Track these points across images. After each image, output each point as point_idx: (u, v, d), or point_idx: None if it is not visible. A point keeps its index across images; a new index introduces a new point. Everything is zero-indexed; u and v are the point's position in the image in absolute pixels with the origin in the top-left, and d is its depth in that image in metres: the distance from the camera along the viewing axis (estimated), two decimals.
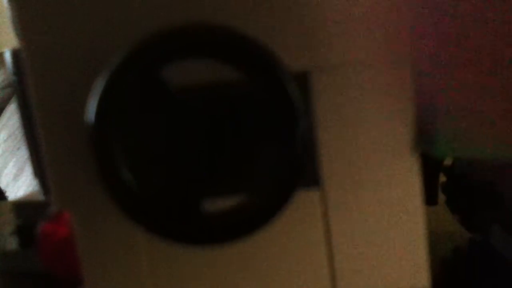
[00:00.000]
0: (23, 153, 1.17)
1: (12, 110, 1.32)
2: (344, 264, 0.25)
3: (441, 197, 0.38)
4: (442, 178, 0.38)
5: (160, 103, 0.20)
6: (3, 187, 1.10)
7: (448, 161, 0.38)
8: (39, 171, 0.28)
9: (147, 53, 0.19)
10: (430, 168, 0.33)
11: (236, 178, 0.22)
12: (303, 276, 0.24)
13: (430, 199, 0.34)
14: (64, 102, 0.23)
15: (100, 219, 0.23)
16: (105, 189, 0.21)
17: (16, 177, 1.16)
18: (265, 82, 0.19)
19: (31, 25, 0.24)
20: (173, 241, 0.21)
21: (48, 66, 0.24)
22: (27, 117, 0.26)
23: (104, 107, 0.19)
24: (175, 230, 0.21)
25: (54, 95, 0.24)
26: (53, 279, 0.25)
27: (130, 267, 0.24)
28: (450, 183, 0.37)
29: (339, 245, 0.25)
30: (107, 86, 0.19)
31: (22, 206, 0.30)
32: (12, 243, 0.32)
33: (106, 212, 0.23)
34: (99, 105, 0.20)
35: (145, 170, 0.21)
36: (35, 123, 0.25)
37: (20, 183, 1.10)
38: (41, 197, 0.29)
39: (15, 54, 0.26)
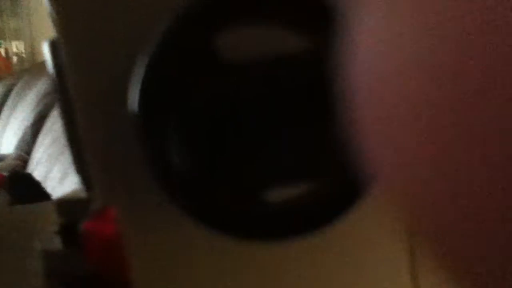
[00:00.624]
0: (67, 158, 1.19)
1: (55, 116, 1.35)
2: (426, 260, 0.22)
3: None
4: None
5: (215, 76, 0.18)
6: (49, 191, 1.12)
7: None
8: (81, 167, 0.27)
9: (197, 17, 0.16)
10: None
11: (306, 163, 0.19)
12: (381, 273, 0.22)
13: None
14: (105, 91, 0.22)
15: (150, 214, 0.22)
16: (157, 182, 0.19)
17: (61, 181, 1.18)
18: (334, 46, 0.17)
19: (69, 13, 0.23)
20: (235, 236, 0.19)
21: (86, 54, 0.23)
22: (67, 110, 0.25)
23: (150, 89, 0.18)
24: (237, 223, 0.19)
25: (94, 85, 0.22)
26: (99, 280, 0.24)
27: (186, 265, 0.22)
28: None
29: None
30: (151, 63, 0.18)
31: (65, 204, 0.29)
32: (56, 243, 0.31)
33: (157, 207, 0.21)
34: (143, 88, 0.18)
35: (200, 156, 0.19)
36: (76, 116, 0.24)
37: (66, 187, 1.12)
38: (84, 194, 0.27)
39: (53, 44, 0.25)
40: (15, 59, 2.34)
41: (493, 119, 0.09)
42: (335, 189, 0.19)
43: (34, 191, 1.04)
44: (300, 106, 0.18)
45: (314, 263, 0.22)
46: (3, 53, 2.30)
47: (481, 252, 0.11)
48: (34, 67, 1.73)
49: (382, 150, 0.12)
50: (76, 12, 0.23)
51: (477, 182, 0.10)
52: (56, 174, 1.22)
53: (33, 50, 2.28)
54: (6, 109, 1.58)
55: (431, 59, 0.10)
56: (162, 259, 0.23)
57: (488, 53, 0.09)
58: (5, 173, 1.14)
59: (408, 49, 0.10)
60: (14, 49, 2.35)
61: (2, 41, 2.32)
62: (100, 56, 0.23)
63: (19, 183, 1.03)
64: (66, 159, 1.16)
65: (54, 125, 1.32)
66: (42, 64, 1.63)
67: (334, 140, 0.19)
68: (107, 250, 0.21)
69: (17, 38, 2.33)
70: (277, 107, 0.18)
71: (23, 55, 2.31)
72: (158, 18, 0.22)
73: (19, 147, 1.40)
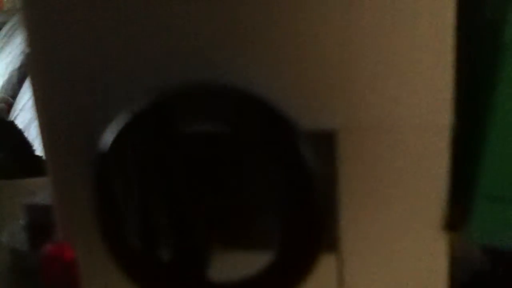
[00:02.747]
0: None
1: None
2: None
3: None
4: None
5: (173, 153, 0.19)
6: (32, 139, 1.11)
7: None
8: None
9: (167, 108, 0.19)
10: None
11: (251, 236, 0.20)
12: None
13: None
14: (69, 123, 0.22)
15: (101, 259, 0.22)
16: (109, 251, 0.20)
17: None
18: (274, 142, 0.18)
19: (39, 30, 0.22)
20: None
21: (53, 74, 0.23)
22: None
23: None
24: None
25: (60, 111, 0.22)
26: None
27: None
28: None
29: None
30: (123, 131, 0.19)
31: (33, 208, 0.30)
32: (22, 242, 0.32)
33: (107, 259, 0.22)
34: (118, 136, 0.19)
35: (152, 232, 0.20)
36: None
37: None
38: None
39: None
40: None
41: None
42: (286, 260, 0.20)
43: (16, 139, 1.03)
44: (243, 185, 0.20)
45: None
46: None
47: None
48: None
49: None
50: (46, 28, 0.23)
51: None
52: None
53: None
54: None
55: None
56: None
57: None
58: None
59: None
60: None
61: None
62: (67, 78, 0.23)
63: (1, 130, 1.03)
64: None
65: None
66: None
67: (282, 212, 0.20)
68: (65, 275, 0.22)
69: None
70: (222, 184, 0.20)
71: None
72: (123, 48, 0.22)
73: (4, 89, 1.38)
